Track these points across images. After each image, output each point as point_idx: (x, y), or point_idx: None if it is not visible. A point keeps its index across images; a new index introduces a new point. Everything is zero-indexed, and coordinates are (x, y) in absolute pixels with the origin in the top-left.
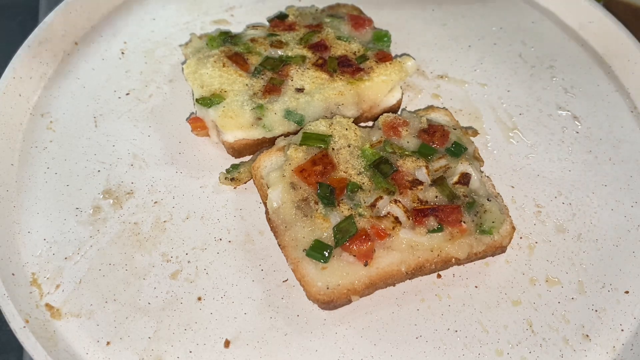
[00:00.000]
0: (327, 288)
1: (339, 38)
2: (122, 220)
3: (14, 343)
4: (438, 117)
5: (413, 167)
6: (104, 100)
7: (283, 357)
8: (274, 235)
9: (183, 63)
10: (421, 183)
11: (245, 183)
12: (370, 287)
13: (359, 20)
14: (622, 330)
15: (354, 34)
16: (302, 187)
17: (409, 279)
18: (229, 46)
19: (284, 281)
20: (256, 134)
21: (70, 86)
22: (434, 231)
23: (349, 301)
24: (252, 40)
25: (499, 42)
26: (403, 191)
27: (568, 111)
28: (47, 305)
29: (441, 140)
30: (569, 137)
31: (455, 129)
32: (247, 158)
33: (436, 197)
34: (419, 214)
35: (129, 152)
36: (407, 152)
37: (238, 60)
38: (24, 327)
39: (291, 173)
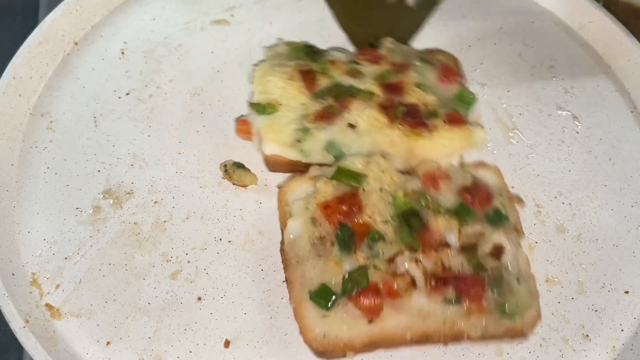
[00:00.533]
0: (324, 337)
1: (418, 85)
2: (122, 220)
3: (14, 343)
4: (486, 175)
5: (444, 227)
6: (104, 100)
7: (283, 357)
8: (284, 267)
9: (256, 64)
10: (449, 246)
11: (238, 185)
12: (369, 347)
13: (449, 72)
14: (622, 330)
15: (438, 86)
16: (323, 224)
17: (413, 346)
18: (307, 61)
19: (283, 281)
20: (292, 154)
21: (70, 86)
22: (450, 302)
23: (344, 355)
24: (332, 62)
25: (499, 42)
26: (427, 251)
27: (568, 111)
28: (47, 305)
29: (482, 204)
30: (569, 137)
31: (501, 195)
32: (277, 176)
33: (462, 264)
34: (439, 281)
35: (129, 152)
36: (441, 209)
37: (307, 77)
38: (24, 327)
39: (315, 207)
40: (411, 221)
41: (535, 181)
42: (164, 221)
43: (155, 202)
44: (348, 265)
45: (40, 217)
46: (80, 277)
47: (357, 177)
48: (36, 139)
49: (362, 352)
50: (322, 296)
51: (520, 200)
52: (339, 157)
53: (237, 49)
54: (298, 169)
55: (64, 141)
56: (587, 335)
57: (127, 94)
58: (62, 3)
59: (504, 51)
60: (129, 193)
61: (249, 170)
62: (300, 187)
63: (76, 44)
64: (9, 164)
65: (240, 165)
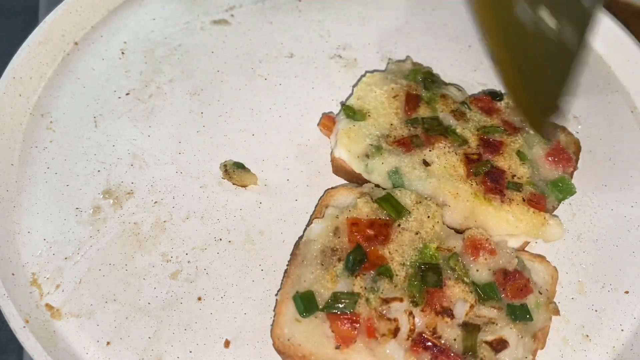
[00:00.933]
0: (288, 339)
1: (519, 153)
2: (122, 220)
3: (14, 343)
4: (539, 268)
5: (458, 296)
6: (104, 100)
7: None
8: (289, 260)
9: (363, 75)
10: (452, 317)
11: (238, 185)
12: None
13: (561, 154)
14: (622, 330)
15: (540, 162)
16: (342, 238)
17: None
18: (420, 86)
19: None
20: (356, 166)
21: (70, 86)
22: None
23: None
24: (443, 96)
25: None
26: (427, 310)
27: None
28: (47, 305)
29: (514, 294)
30: None
31: (541, 294)
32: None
33: (454, 340)
34: (421, 342)
35: (129, 152)
36: (466, 280)
37: (411, 101)
38: (24, 327)
39: (345, 219)
40: (428, 275)
41: None
42: (164, 221)
43: (155, 202)
44: (343, 286)
45: (40, 217)
46: (80, 277)
47: (399, 209)
48: (36, 139)
49: None
50: (305, 302)
51: (556, 311)
52: (397, 186)
53: (237, 49)
54: (357, 181)
55: (64, 141)
56: (587, 335)
57: (127, 94)
58: (62, 3)
59: None
60: (129, 193)
61: (249, 170)
62: (346, 197)
63: (76, 44)
64: (9, 164)
65: (240, 165)
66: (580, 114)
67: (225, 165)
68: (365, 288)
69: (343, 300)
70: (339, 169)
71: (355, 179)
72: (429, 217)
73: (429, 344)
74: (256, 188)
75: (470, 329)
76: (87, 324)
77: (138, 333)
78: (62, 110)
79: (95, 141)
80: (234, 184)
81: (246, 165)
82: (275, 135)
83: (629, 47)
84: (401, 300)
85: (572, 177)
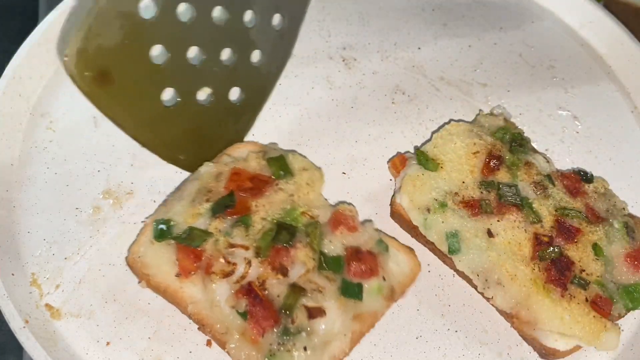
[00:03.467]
0: (139, 257)
1: (595, 246)
2: (122, 221)
3: (14, 343)
4: (401, 258)
5: (299, 260)
6: None
7: None
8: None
9: (446, 123)
10: (285, 275)
11: None
12: (158, 290)
13: (638, 259)
14: (622, 330)
15: (617, 261)
16: (220, 183)
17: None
18: (506, 148)
19: None
20: (414, 217)
21: (70, 86)
22: (239, 312)
23: (138, 281)
24: (528, 164)
25: (499, 42)
26: (265, 264)
27: (568, 111)
28: (47, 305)
29: (357, 273)
30: (569, 137)
31: (385, 280)
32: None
33: (278, 295)
34: (246, 289)
35: (129, 152)
36: (315, 247)
37: (491, 162)
38: (24, 327)
39: (230, 168)
40: (282, 234)
41: None
42: None
43: (155, 202)
44: (202, 223)
45: (40, 217)
46: (80, 277)
47: (284, 171)
48: (36, 139)
49: (152, 290)
50: (162, 226)
51: (390, 298)
52: (453, 250)
53: None
54: (412, 232)
55: (64, 141)
56: None
57: None
58: (62, 3)
59: (504, 51)
60: (129, 193)
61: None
62: (246, 151)
63: None
64: (9, 164)
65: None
66: (580, 114)
67: None
68: (220, 231)
69: (195, 235)
70: (395, 215)
71: (411, 231)
72: (308, 184)
73: (253, 293)
74: None
75: (296, 290)
76: (87, 324)
77: (138, 333)
78: (62, 110)
79: (95, 141)
80: None
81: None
82: (275, 135)
83: (629, 47)
84: (247, 248)
85: None
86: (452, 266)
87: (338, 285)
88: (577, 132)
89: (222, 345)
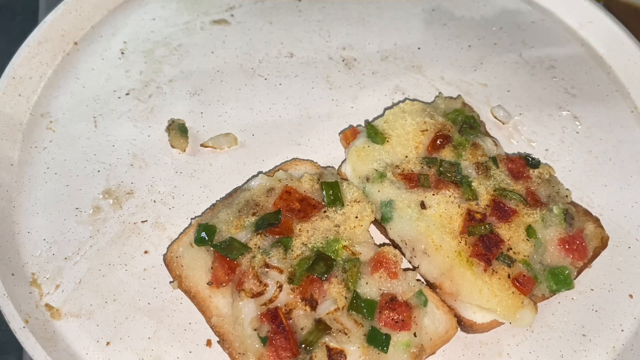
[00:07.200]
0: (176, 257)
1: (528, 229)
2: (122, 221)
3: (14, 343)
4: (439, 316)
5: (331, 295)
6: (103, 100)
7: None
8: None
9: (402, 100)
10: (313, 309)
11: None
12: (188, 293)
13: (575, 243)
14: (622, 330)
15: (550, 246)
16: (270, 199)
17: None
18: (455, 129)
19: None
20: (355, 182)
21: (70, 86)
22: (260, 338)
23: (171, 281)
24: (475, 145)
25: (499, 42)
26: (296, 292)
27: (568, 111)
28: (47, 305)
29: (388, 322)
30: (569, 137)
31: (416, 336)
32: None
33: (302, 328)
34: (271, 314)
35: (129, 152)
36: (350, 285)
37: (437, 140)
38: (24, 327)
39: (284, 185)
40: (319, 264)
41: None
42: (164, 221)
43: (155, 202)
44: (243, 236)
45: (40, 217)
46: (80, 277)
47: (334, 199)
48: (36, 139)
49: (183, 292)
50: (205, 232)
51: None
52: (385, 219)
53: (237, 49)
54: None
55: (64, 141)
56: (587, 335)
57: (127, 94)
58: (62, 3)
59: (504, 51)
60: (129, 193)
61: (186, 136)
62: (306, 170)
63: (76, 44)
64: (9, 164)
65: (182, 128)
66: (580, 114)
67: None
68: (259, 247)
69: (234, 247)
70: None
71: None
72: (357, 217)
73: (277, 320)
74: None
75: (320, 326)
76: (87, 324)
77: (138, 333)
78: (62, 110)
79: (95, 141)
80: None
81: (246, 165)
82: (275, 135)
83: (629, 47)
84: (281, 271)
85: (579, 273)
86: (386, 235)
87: (365, 331)
88: (577, 132)
89: None
